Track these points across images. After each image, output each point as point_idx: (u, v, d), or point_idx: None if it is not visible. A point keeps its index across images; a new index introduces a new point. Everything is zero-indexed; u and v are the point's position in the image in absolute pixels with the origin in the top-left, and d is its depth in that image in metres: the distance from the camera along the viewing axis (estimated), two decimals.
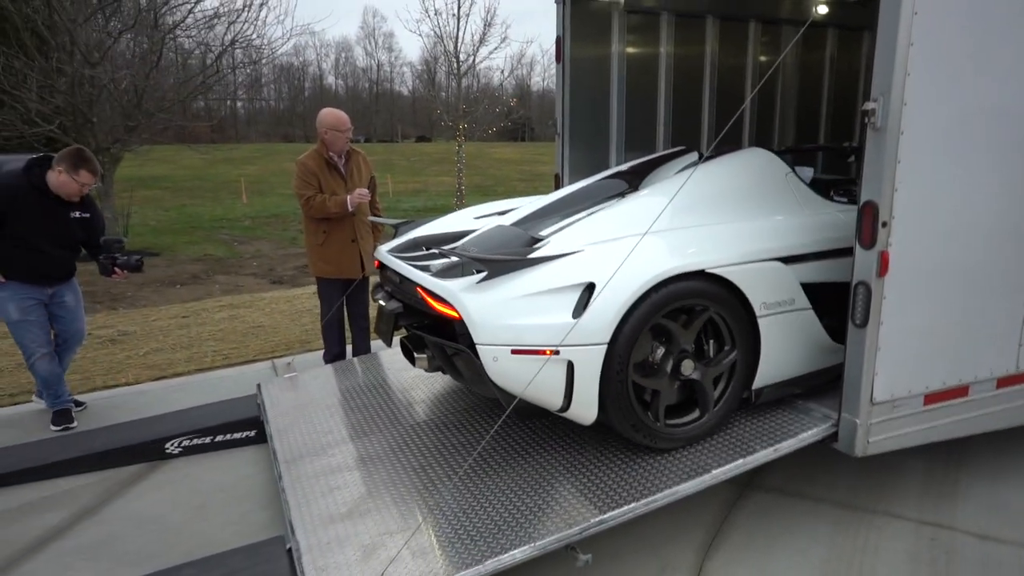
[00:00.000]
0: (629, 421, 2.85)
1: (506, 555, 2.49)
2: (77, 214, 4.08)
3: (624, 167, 3.90)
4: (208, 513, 3.27)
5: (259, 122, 61.19)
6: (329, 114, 4.53)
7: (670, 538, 3.03)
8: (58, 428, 4.12)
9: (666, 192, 3.23)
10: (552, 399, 2.75)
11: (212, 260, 10.49)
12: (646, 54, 5.27)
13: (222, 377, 5.08)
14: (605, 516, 2.63)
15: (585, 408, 2.77)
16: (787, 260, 3.07)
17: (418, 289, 3.07)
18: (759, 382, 3.11)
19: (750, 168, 3.52)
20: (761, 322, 3.00)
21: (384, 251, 3.60)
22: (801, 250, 3.14)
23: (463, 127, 12.61)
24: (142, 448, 3.72)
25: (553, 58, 5.04)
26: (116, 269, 4.15)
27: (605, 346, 2.69)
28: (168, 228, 13.80)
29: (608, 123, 5.24)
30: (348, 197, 4.43)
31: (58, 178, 3.92)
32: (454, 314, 2.81)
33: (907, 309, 2.82)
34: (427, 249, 3.37)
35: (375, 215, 4.76)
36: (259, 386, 4.18)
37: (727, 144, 4.82)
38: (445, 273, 3.02)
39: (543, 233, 3.13)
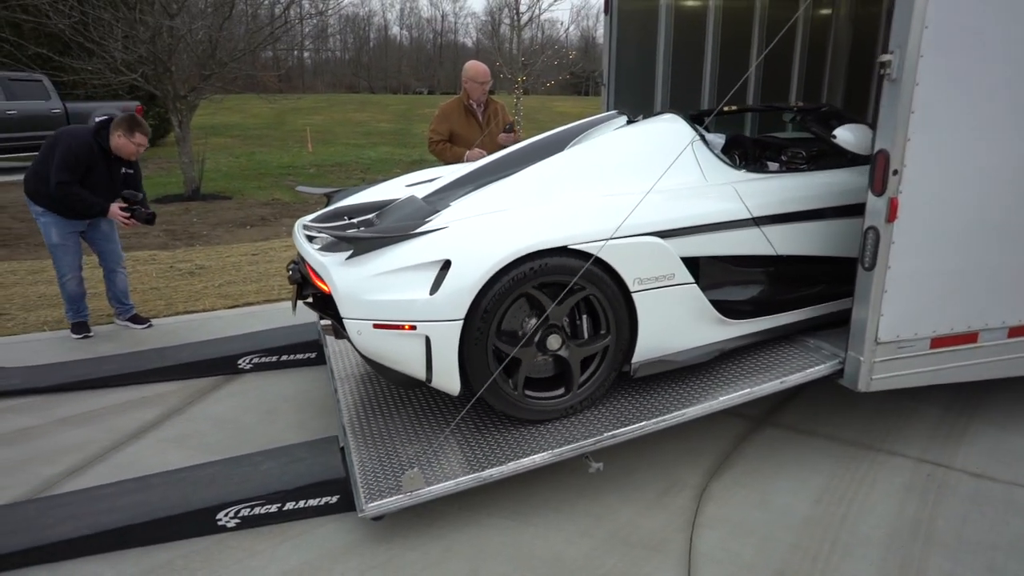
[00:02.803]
0: (490, 389, 2.88)
1: (527, 459, 2.84)
2: (124, 169, 4.66)
3: (554, 131, 3.74)
4: (275, 417, 3.75)
5: (325, 72, 61.98)
6: (471, 66, 5.06)
7: (681, 460, 3.32)
8: (79, 336, 4.84)
9: (559, 162, 3.30)
10: (415, 371, 2.84)
11: (279, 204, 11.06)
12: (695, 7, 5.36)
13: (287, 307, 5.55)
14: (618, 431, 2.95)
15: (448, 380, 2.85)
16: (666, 234, 3.02)
17: (307, 263, 3.18)
18: (638, 356, 3.10)
19: (652, 136, 3.48)
20: (636, 298, 2.98)
21: (302, 221, 3.58)
22: (685, 223, 3.08)
23: (521, 79, 12.71)
24: (219, 362, 4.28)
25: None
26: (131, 219, 4.63)
27: (461, 322, 2.75)
28: (239, 174, 14.47)
29: (654, 77, 5.39)
30: (467, 153, 4.87)
31: (118, 140, 4.47)
32: (326, 288, 2.94)
33: (916, 255, 2.98)
34: (348, 219, 3.35)
35: None
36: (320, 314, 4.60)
37: (775, 102, 4.91)
38: (327, 247, 3.12)
39: (452, 203, 3.16)
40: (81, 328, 4.89)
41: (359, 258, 2.90)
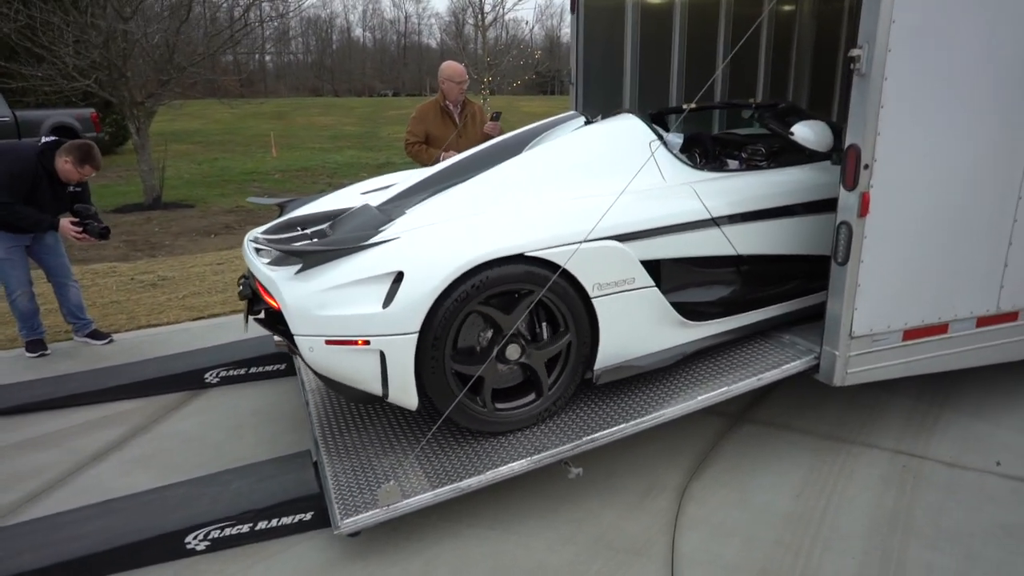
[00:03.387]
0: (456, 409, 2.81)
1: (504, 467, 2.79)
2: (71, 188, 4.51)
3: (512, 134, 3.63)
4: (245, 432, 3.64)
5: (287, 76, 61.18)
6: (447, 66, 4.96)
7: (660, 461, 3.30)
8: (34, 355, 4.66)
9: (514, 166, 3.23)
10: (371, 387, 2.76)
11: (244, 212, 10.83)
12: (661, 3, 5.35)
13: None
14: (596, 435, 2.91)
15: (405, 395, 2.77)
16: (625, 238, 2.95)
17: (256, 278, 3.08)
18: (600, 363, 3.03)
19: (609, 137, 3.43)
20: (596, 303, 2.91)
21: (252, 234, 3.43)
22: (644, 226, 3.01)
23: (488, 80, 12.67)
24: (185, 377, 4.13)
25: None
26: (84, 235, 4.48)
27: (416, 336, 2.67)
28: (201, 181, 14.17)
29: (623, 74, 5.37)
30: (441, 154, 4.73)
31: (63, 166, 4.35)
32: (275, 304, 2.84)
33: (887, 248, 2.99)
34: (301, 230, 3.23)
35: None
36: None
37: (744, 99, 4.92)
38: (276, 261, 3.01)
39: (407, 211, 3.08)
40: (37, 346, 4.70)
41: (309, 272, 2.79)
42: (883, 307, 3.09)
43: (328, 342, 2.69)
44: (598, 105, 5.23)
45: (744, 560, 2.64)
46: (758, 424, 3.64)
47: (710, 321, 3.31)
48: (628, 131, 3.43)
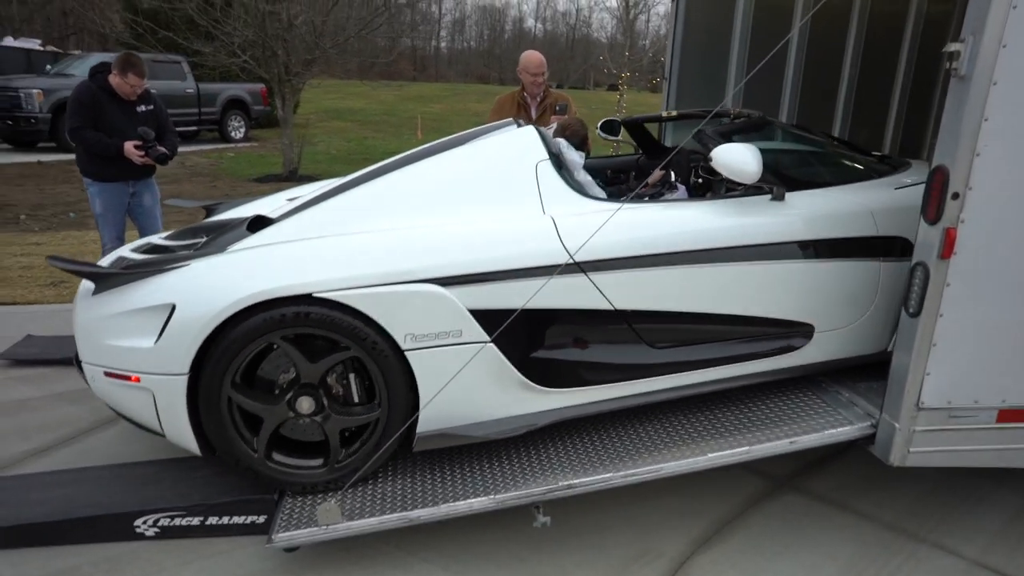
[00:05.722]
0: (232, 456, 2.55)
1: (462, 502, 2.47)
2: (143, 108, 4.59)
3: (432, 143, 3.13)
4: None
5: (458, 62, 63.29)
6: (524, 56, 4.72)
7: (667, 520, 2.81)
8: None
9: (379, 185, 2.78)
10: (152, 425, 2.55)
11: None
12: None
13: None
14: (576, 481, 2.50)
15: (183, 440, 2.53)
16: (451, 281, 2.45)
17: None
18: (423, 427, 2.56)
19: (495, 154, 2.87)
20: (411, 358, 2.45)
21: (150, 240, 3.27)
22: (479, 268, 2.47)
23: (625, 75, 12.15)
24: None
25: None
26: (146, 157, 4.54)
27: (186, 377, 2.41)
28: (345, 157, 14.84)
29: (726, 71, 4.75)
30: None
31: (113, 80, 4.45)
32: None
33: (979, 301, 2.31)
34: (206, 236, 2.94)
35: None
36: None
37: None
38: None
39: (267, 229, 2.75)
40: None
41: (103, 295, 2.57)
42: (969, 376, 2.39)
43: (106, 373, 2.53)
44: (694, 105, 4.68)
45: None
46: (805, 496, 3.01)
47: (574, 389, 2.68)
48: (514, 147, 2.86)
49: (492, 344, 2.50)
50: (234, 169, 12.60)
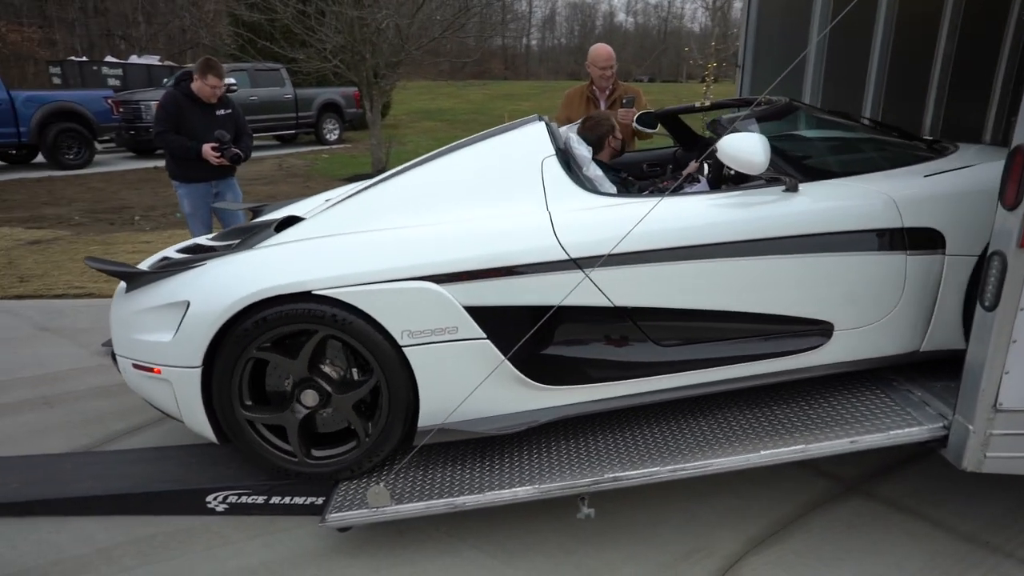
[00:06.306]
0: (255, 453, 2.70)
1: (507, 491, 2.50)
2: (222, 112, 4.86)
3: (466, 138, 3.11)
4: None
5: (549, 60, 63.34)
6: (592, 50, 4.67)
7: (726, 520, 2.73)
8: None
9: (397, 183, 2.82)
10: (175, 415, 2.73)
11: None
12: None
13: None
14: (622, 474, 2.48)
15: (202, 429, 2.69)
16: (445, 279, 2.47)
17: None
18: (424, 421, 2.59)
19: (498, 151, 2.85)
20: (408, 353, 2.50)
21: (197, 240, 3.46)
22: (475, 265, 2.48)
23: (712, 65, 11.79)
24: None
25: None
26: (221, 158, 4.78)
27: (199, 370, 2.56)
28: None
29: (806, 59, 4.53)
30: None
31: (195, 84, 4.73)
32: None
33: None
34: (244, 236, 3.07)
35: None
36: None
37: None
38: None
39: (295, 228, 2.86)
40: None
41: (134, 292, 2.77)
42: None
43: (134, 366, 2.73)
44: (771, 92, 4.50)
45: None
46: (875, 500, 2.85)
47: (575, 387, 2.64)
48: (521, 144, 2.84)
49: (488, 340, 2.53)
50: (327, 170, 13.16)
